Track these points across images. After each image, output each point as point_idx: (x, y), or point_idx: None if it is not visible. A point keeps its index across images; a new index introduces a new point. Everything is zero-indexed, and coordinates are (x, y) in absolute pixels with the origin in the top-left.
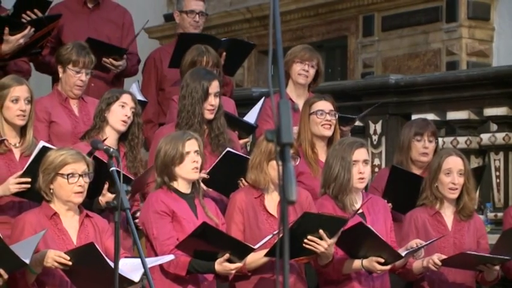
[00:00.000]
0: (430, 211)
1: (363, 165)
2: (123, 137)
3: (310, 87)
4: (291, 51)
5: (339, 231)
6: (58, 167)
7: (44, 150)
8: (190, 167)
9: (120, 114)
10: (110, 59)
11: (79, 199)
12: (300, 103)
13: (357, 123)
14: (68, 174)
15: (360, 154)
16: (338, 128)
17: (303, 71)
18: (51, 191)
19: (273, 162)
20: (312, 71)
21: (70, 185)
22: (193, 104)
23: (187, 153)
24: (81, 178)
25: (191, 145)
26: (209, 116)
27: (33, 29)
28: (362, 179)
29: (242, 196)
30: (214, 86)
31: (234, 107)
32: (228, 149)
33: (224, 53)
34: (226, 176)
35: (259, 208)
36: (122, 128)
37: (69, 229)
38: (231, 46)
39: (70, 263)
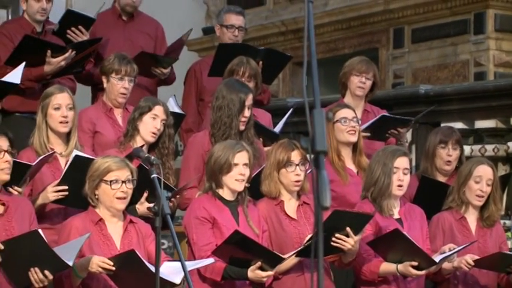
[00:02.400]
0: (456, 215)
1: (402, 174)
2: (153, 145)
3: (367, 96)
4: (348, 63)
5: (365, 228)
6: (102, 174)
7: (77, 159)
8: (236, 178)
9: (150, 126)
10: (159, 68)
11: (122, 205)
12: (357, 113)
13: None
14: (111, 181)
15: (402, 162)
16: (395, 131)
17: (360, 83)
18: (97, 196)
19: (283, 170)
20: (369, 83)
21: (113, 190)
22: (231, 116)
23: (236, 164)
24: (123, 184)
25: (241, 157)
26: (241, 127)
27: (74, 52)
28: (400, 186)
29: (263, 205)
30: (250, 99)
31: (269, 120)
32: None
33: (261, 62)
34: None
35: (280, 213)
36: (151, 139)
37: (114, 235)
38: (268, 55)
39: (113, 268)
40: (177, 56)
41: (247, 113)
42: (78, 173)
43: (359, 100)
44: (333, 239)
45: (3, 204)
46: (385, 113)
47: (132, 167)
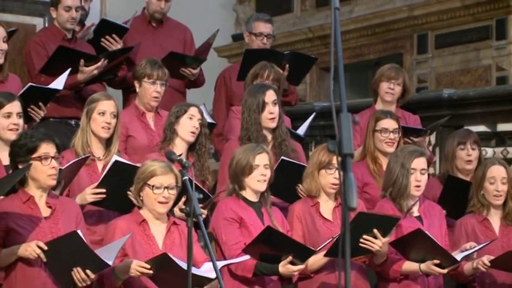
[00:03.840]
0: (479, 218)
1: (420, 174)
2: (191, 147)
3: (398, 102)
4: (379, 70)
5: (393, 230)
6: (147, 178)
7: (117, 164)
8: (258, 179)
9: (188, 126)
10: (188, 68)
11: (163, 209)
12: None
13: None
14: (153, 186)
15: (419, 163)
16: (408, 139)
17: (389, 89)
18: (141, 198)
19: (323, 171)
20: (398, 89)
21: (155, 195)
22: (251, 115)
23: (257, 166)
24: (166, 190)
25: (261, 159)
26: (271, 124)
27: (106, 61)
28: (418, 186)
29: (299, 206)
30: (270, 95)
31: (289, 123)
32: (283, 157)
33: (287, 65)
34: (285, 182)
35: (315, 214)
36: (191, 138)
37: (156, 235)
38: (293, 58)
39: (151, 272)
40: (205, 57)
41: (272, 109)
42: (117, 177)
43: (389, 105)
44: (361, 240)
45: (50, 207)
46: (417, 118)
47: (177, 173)
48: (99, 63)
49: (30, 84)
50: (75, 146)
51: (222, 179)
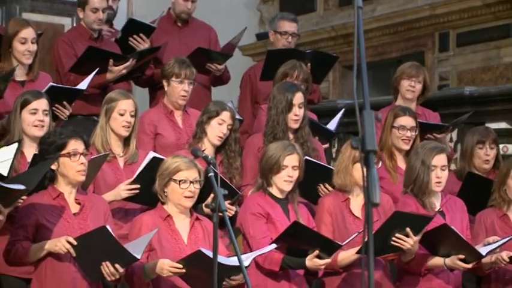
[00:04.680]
0: (499, 213)
1: (440, 171)
2: (220, 147)
3: (419, 99)
4: (400, 68)
5: (424, 229)
6: (172, 173)
7: (154, 160)
8: (285, 180)
9: (217, 130)
10: (214, 64)
11: (189, 203)
12: None
13: None
14: (180, 180)
15: (439, 160)
16: (431, 136)
17: (410, 86)
18: (166, 194)
19: (357, 165)
20: (419, 86)
21: (181, 190)
22: (278, 114)
23: (285, 166)
24: (191, 184)
25: (290, 160)
26: (294, 125)
27: (134, 61)
28: (439, 183)
29: (330, 200)
30: (298, 97)
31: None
32: (306, 157)
33: (309, 64)
34: (306, 182)
35: (345, 211)
36: (218, 143)
37: (181, 230)
38: (315, 57)
39: (184, 270)
40: (231, 53)
41: (297, 111)
42: (152, 173)
43: (410, 103)
44: (393, 238)
45: (79, 204)
46: (437, 115)
47: (200, 167)
48: (128, 63)
49: (50, 84)
50: (95, 144)
51: (244, 173)
